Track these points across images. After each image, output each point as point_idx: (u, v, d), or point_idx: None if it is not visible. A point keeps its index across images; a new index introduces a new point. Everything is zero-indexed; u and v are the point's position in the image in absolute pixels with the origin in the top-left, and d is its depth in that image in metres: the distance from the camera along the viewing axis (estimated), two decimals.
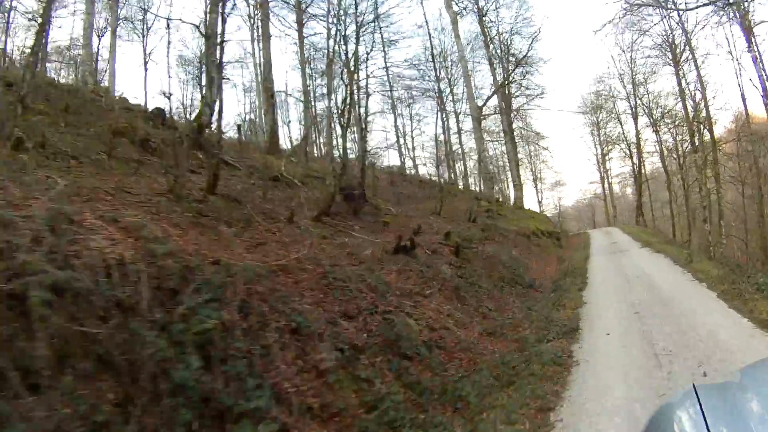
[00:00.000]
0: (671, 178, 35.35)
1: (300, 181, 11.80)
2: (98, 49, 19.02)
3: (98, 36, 18.77)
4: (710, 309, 7.48)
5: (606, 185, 50.68)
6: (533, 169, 51.44)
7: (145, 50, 19.84)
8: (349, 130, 13.24)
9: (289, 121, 31.52)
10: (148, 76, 27.79)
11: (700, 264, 11.88)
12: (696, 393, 1.15)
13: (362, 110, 15.24)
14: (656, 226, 39.22)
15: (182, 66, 25.05)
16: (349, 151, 13.59)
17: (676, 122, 33.81)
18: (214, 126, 10.26)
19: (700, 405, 1.09)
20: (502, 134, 30.41)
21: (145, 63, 20.99)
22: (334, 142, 16.84)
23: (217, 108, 9.70)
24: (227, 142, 14.33)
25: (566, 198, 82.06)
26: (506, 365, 5.97)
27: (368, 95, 16.51)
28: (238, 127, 16.69)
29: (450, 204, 20.52)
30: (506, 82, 27.17)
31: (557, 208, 57.21)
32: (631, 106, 37.81)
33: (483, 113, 25.50)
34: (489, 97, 26.39)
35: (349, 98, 14.99)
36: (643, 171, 40.33)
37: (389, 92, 26.13)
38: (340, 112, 15.03)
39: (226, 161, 12.30)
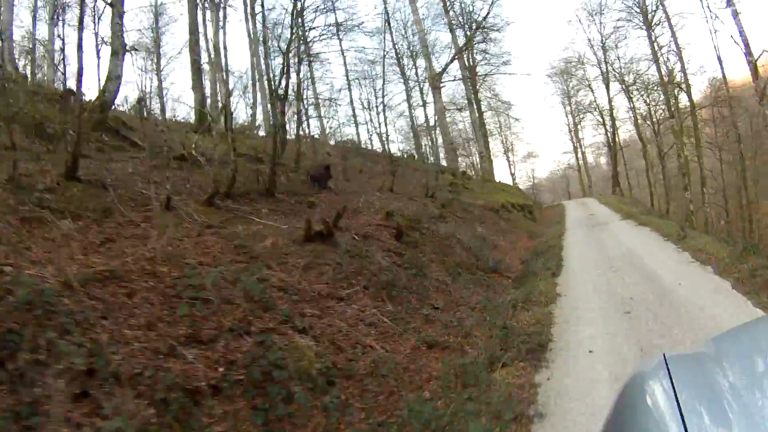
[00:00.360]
0: (646, 146, 33.91)
1: (219, 161, 9.54)
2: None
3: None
4: (730, 307, 5.45)
5: (579, 155, 49.31)
6: (504, 141, 49.77)
7: (97, 36, 17.09)
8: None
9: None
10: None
11: (697, 240, 9.92)
12: (666, 363, 1.10)
13: (293, 79, 12.93)
14: (633, 195, 37.92)
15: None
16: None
17: (649, 87, 32.16)
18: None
19: (670, 375, 1.05)
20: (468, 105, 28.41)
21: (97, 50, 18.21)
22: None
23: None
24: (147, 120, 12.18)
25: (540, 170, 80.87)
26: (437, 419, 3.78)
27: (302, 61, 14.18)
28: (138, 101, 14.11)
29: (408, 179, 18.44)
30: (466, 48, 24.97)
31: (531, 180, 55.85)
32: (602, 72, 36.14)
33: (443, 81, 23.32)
34: (448, 63, 24.22)
35: (285, 68, 12.88)
36: (617, 140, 38.90)
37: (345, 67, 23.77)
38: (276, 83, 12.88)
39: (134, 142, 10.10)
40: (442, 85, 22.48)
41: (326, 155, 19.16)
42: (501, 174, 56.03)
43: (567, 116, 47.49)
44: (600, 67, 35.71)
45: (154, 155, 8.91)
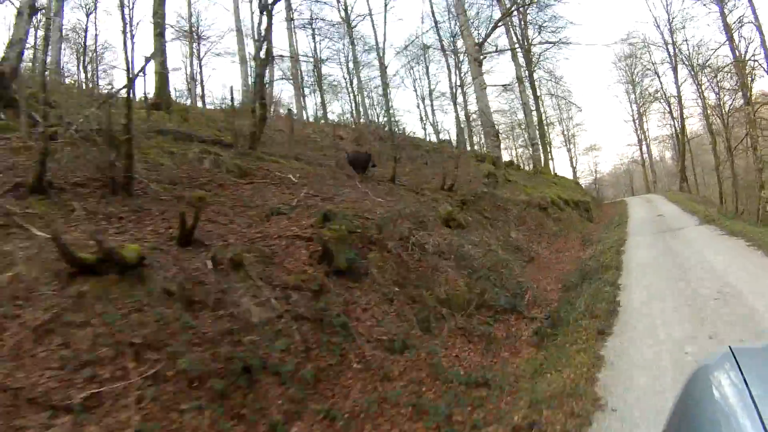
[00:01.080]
0: (716, 139, 28.46)
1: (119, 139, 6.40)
2: None
3: None
4: None
5: (644, 148, 43.61)
6: (564, 132, 44.78)
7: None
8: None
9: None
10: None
11: None
12: (734, 356, 1.07)
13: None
14: (700, 192, 32.46)
15: None
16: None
17: (720, 71, 26.55)
18: None
19: (740, 368, 1.01)
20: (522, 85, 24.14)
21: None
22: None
23: None
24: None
25: (603, 164, 73.88)
26: None
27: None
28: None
29: (435, 168, 14.82)
30: (512, 10, 20.74)
31: (593, 174, 50.35)
32: (669, 55, 30.80)
33: (484, 52, 19.32)
34: (489, 33, 20.04)
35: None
36: (685, 131, 33.40)
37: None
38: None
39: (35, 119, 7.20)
40: (483, 57, 18.53)
41: (337, 139, 16.01)
42: (561, 167, 51.02)
43: (631, 105, 42.02)
44: (667, 49, 30.40)
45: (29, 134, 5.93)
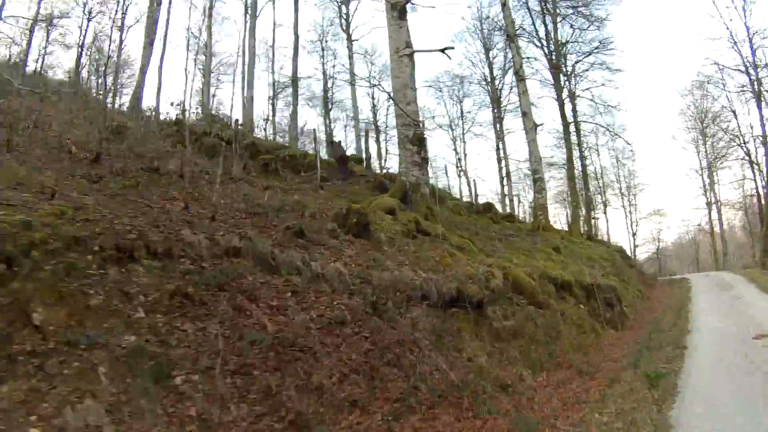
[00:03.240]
0: None
1: None
2: None
3: None
4: None
5: (714, 213, 33.00)
6: (621, 189, 35.07)
7: None
8: None
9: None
10: None
11: None
12: None
13: None
14: None
15: None
16: None
17: None
18: None
19: None
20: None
21: None
22: None
23: None
24: None
25: (666, 231, 61.42)
26: None
27: None
28: None
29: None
30: None
31: (656, 243, 39.22)
32: (750, 81, 21.40)
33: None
34: None
35: None
36: None
37: None
38: None
39: None
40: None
41: None
42: (618, 233, 41.37)
43: (700, 161, 31.89)
44: (747, 73, 21.02)
45: None
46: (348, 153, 14.96)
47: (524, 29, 18.52)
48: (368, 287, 5.52)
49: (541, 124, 14.77)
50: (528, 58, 18.63)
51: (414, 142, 9.52)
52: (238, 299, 4.32)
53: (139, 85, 14.09)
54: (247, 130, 16.03)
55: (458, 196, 20.48)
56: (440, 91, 29.38)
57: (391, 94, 9.73)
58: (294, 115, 19.69)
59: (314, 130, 10.00)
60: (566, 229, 19.15)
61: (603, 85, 20.41)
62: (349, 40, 23.81)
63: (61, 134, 7.56)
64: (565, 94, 20.43)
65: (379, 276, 5.80)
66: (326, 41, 26.40)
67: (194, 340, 3.62)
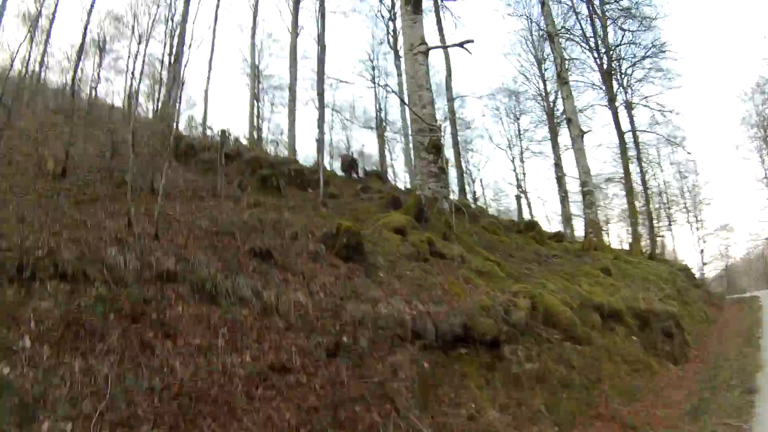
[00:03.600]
0: None
1: None
2: None
3: None
4: None
5: None
6: (687, 205, 32.15)
7: None
8: None
9: None
10: None
11: None
12: None
13: None
14: None
15: None
16: None
17: None
18: None
19: None
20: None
21: None
22: None
23: None
24: None
25: (735, 246, 55.90)
26: None
27: None
28: None
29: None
30: None
31: (724, 259, 35.54)
32: None
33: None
34: None
35: None
36: None
37: None
38: None
39: None
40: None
41: None
42: (685, 250, 38.64)
43: (765, 170, 28.58)
44: None
45: None
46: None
47: (570, 32, 16.93)
48: (337, 323, 4.40)
49: (587, 131, 13.14)
50: (572, 59, 17.01)
51: (430, 149, 8.39)
52: (149, 334, 3.38)
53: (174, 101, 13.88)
54: (292, 154, 15.50)
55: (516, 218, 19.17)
56: (497, 109, 27.94)
57: (405, 99, 8.66)
58: (292, 126, 18.52)
59: (318, 140, 9.23)
60: (627, 247, 17.15)
61: (660, 93, 18.36)
62: (397, 57, 22.68)
63: (39, 149, 7.09)
64: (619, 101, 18.58)
65: (354, 309, 4.67)
66: (377, 60, 25.76)
67: (79, 379, 2.90)
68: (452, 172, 26.56)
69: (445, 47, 8.85)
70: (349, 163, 11.03)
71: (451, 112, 17.22)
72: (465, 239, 8.15)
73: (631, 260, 12.42)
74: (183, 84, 13.32)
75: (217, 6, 19.79)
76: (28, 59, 16.86)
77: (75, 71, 14.12)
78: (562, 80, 12.99)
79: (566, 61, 14.21)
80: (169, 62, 16.15)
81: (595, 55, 17.31)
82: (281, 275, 4.93)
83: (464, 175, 17.85)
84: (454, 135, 17.66)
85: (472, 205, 14.27)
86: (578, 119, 13.00)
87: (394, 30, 23.25)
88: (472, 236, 8.94)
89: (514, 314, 5.79)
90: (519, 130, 28.83)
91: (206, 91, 19.84)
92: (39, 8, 15.76)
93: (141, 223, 5.12)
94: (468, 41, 8.61)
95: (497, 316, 5.62)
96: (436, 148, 8.37)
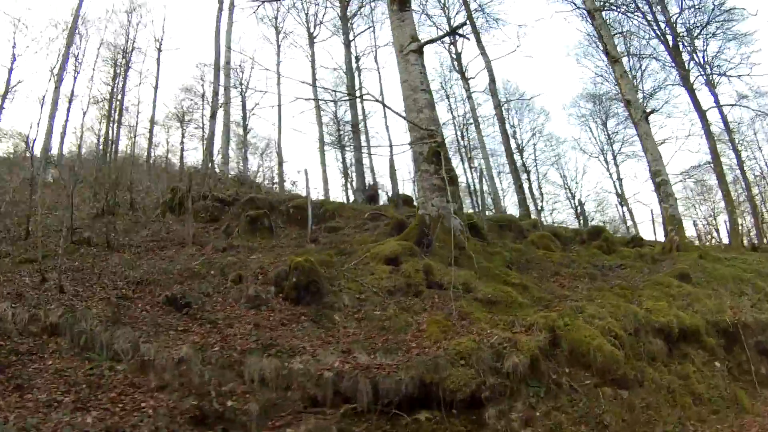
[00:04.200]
0: None
1: None
2: None
3: None
4: None
5: None
6: None
7: None
8: None
9: None
10: None
11: None
12: None
13: None
14: None
15: None
16: None
17: None
18: None
19: None
20: None
21: None
22: None
23: None
24: None
25: None
26: None
27: None
28: None
29: None
30: None
31: None
32: None
33: None
34: None
35: None
36: None
37: None
38: None
39: None
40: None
41: None
42: None
43: None
44: None
45: None
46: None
47: (617, 5, 14.57)
48: (225, 383, 3.37)
49: (651, 111, 10.78)
50: (626, 32, 14.57)
51: (430, 159, 7.12)
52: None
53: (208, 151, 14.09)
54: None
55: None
56: (583, 116, 25.78)
57: (403, 113, 7.56)
58: (280, 161, 17.52)
59: (305, 170, 8.35)
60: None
61: (741, 63, 15.06)
62: (464, 79, 21.22)
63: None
64: (694, 76, 15.55)
65: (255, 365, 3.60)
66: (450, 87, 24.77)
67: None
68: (502, 183, 24.41)
69: (437, 40, 7.81)
70: (370, 194, 10.20)
71: (500, 120, 15.59)
72: (482, 262, 6.65)
73: (722, 257, 9.73)
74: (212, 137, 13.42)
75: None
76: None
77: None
78: (612, 59, 10.97)
79: (616, 37, 12.15)
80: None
81: (655, 27, 14.75)
82: (186, 325, 4.12)
83: (522, 187, 15.88)
84: (507, 145, 15.87)
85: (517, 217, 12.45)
86: (638, 99, 10.81)
87: (458, 54, 22.03)
88: (498, 256, 7.37)
89: (508, 359, 4.24)
90: (608, 134, 26.24)
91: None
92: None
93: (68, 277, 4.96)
94: (461, 24, 7.44)
95: (482, 365, 4.15)
96: (437, 156, 7.07)
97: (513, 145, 22.99)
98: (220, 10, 15.21)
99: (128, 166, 12.41)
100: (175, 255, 6.02)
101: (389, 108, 7.78)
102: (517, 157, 22.90)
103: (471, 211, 12.84)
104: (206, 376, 3.50)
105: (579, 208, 23.26)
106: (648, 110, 11.35)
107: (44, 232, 6.35)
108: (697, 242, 15.30)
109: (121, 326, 4.07)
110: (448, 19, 18.65)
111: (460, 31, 7.60)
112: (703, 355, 5.96)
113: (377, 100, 7.89)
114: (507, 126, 19.31)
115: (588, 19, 13.06)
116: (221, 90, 14.79)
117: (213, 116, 14.27)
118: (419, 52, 7.78)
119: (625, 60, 14.85)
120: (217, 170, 12.80)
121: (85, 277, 5.19)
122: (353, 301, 5.11)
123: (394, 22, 8.08)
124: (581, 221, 18.77)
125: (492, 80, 15.25)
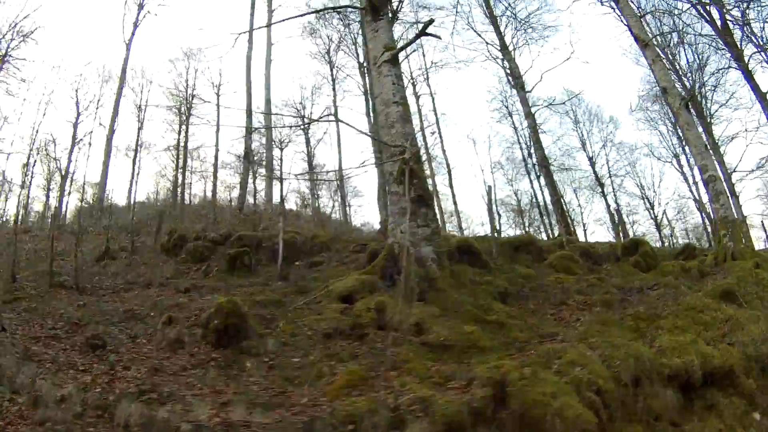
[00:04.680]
0: None
1: None
2: None
3: None
4: None
5: None
6: None
7: None
8: None
9: None
10: None
11: None
12: None
13: None
14: None
15: None
16: None
17: None
18: None
19: None
20: None
21: None
22: None
23: None
24: None
25: None
26: None
27: None
28: None
29: None
30: None
31: None
32: None
33: None
34: None
35: None
36: None
37: None
38: None
39: None
40: None
41: None
42: None
43: None
44: None
45: None
46: None
47: None
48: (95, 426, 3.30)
49: (690, 97, 9.36)
50: (647, 13, 12.96)
51: (400, 179, 6.57)
52: None
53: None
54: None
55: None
56: (651, 120, 24.24)
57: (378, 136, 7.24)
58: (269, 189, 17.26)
59: (282, 198, 7.84)
60: None
61: None
62: (522, 89, 20.32)
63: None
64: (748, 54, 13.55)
65: (124, 410, 3.49)
66: (508, 105, 24.18)
67: None
68: (579, 200, 22.65)
69: (410, 44, 7.50)
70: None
71: (533, 130, 14.56)
72: (455, 295, 6.00)
73: None
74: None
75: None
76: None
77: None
78: (642, 42, 9.85)
79: (644, 18, 10.92)
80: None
81: (699, 7, 13.07)
82: (89, 366, 4.49)
83: (560, 202, 14.52)
84: (540, 155, 14.68)
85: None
86: (676, 87, 9.48)
87: (511, 68, 21.32)
88: (484, 286, 6.63)
89: (411, 427, 3.55)
90: (679, 135, 24.23)
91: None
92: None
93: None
94: (429, 22, 7.03)
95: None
96: (407, 175, 6.39)
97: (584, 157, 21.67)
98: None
99: (168, 208, 13.07)
100: (134, 297, 6.11)
101: (353, 126, 7.41)
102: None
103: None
104: (94, 414, 3.52)
105: (662, 216, 21.33)
106: (686, 96, 9.93)
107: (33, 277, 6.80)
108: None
109: (29, 363, 4.30)
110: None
111: (429, 30, 7.16)
112: (737, 405, 4.69)
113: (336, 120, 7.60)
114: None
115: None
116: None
117: (246, 156, 14.77)
118: (393, 61, 7.39)
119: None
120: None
121: (34, 318, 5.44)
122: (277, 346, 4.73)
123: (369, 34, 7.79)
124: (621, 233, 17.03)
125: (522, 87, 14.46)
